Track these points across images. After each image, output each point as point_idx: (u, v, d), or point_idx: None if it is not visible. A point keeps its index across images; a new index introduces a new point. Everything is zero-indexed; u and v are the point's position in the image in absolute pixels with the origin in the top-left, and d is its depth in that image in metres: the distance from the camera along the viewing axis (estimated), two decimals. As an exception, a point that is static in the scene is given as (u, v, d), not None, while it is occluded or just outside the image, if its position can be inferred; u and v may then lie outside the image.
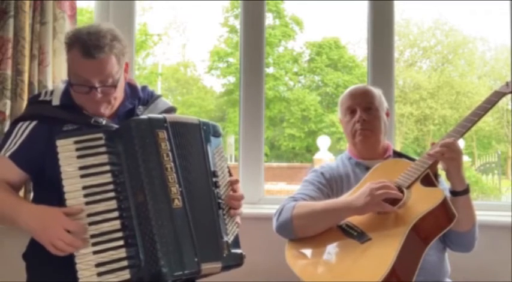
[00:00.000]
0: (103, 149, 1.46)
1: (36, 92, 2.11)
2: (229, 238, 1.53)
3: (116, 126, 1.54)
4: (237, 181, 1.66)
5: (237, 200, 1.61)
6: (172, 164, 1.47)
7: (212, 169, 1.57)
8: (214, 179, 1.56)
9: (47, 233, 1.41)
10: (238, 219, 1.62)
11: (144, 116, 1.55)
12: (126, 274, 1.38)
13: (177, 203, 1.44)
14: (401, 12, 10.45)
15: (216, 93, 12.14)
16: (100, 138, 1.47)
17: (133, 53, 2.53)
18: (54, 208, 1.43)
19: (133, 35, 2.54)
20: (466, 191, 1.70)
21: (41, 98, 1.67)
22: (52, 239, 1.39)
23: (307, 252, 1.70)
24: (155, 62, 11.82)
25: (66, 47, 1.60)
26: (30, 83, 2.16)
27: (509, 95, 1.84)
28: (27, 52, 2.15)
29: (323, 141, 9.78)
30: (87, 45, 1.53)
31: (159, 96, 1.79)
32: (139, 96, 1.73)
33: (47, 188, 1.52)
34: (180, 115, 1.66)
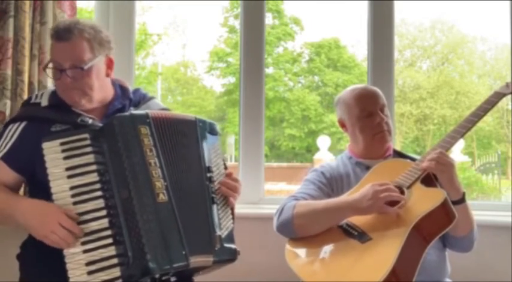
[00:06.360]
0: (88, 149, 1.47)
1: (36, 92, 2.11)
2: (222, 232, 1.52)
3: (101, 124, 1.55)
4: (231, 173, 1.65)
5: (233, 181, 1.60)
6: (156, 159, 1.47)
7: (207, 164, 1.57)
8: (208, 174, 1.55)
9: (44, 226, 1.42)
10: (233, 201, 1.60)
11: (126, 113, 1.56)
12: (116, 272, 1.38)
13: (162, 197, 1.44)
14: (400, 12, 10.46)
15: (216, 93, 12.15)
16: (85, 139, 1.48)
17: (133, 53, 2.53)
18: (55, 204, 1.44)
19: (133, 35, 2.54)
20: (462, 200, 1.69)
21: (32, 100, 1.70)
22: (46, 232, 1.41)
23: (307, 252, 1.70)
24: (155, 62, 11.83)
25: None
26: (30, 83, 2.16)
27: (509, 95, 1.84)
28: (27, 52, 2.14)
29: (323, 141, 9.76)
30: (59, 30, 1.60)
31: (151, 98, 1.79)
32: (130, 98, 1.73)
33: (40, 190, 1.52)
34: (172, 112, 1.66)
